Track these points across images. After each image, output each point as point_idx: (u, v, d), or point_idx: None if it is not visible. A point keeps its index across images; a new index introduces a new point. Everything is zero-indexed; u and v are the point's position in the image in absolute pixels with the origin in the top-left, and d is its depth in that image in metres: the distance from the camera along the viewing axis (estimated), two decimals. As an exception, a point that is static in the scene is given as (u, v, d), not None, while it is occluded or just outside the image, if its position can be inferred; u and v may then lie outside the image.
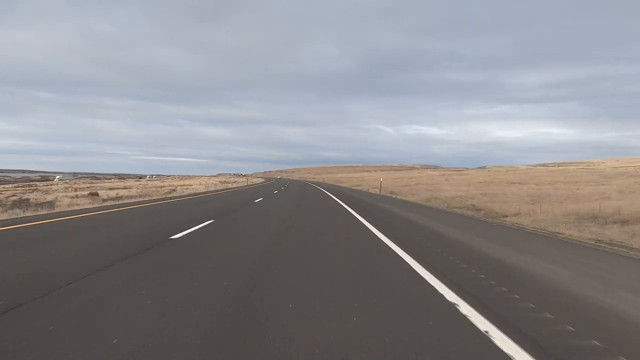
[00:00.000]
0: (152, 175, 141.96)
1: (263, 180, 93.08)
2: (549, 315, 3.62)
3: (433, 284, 4.57)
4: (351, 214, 14.37)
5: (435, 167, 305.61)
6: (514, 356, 2.75)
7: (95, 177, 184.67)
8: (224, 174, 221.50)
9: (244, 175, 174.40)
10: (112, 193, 34.26)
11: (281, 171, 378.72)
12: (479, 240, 8.31)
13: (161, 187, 44.83)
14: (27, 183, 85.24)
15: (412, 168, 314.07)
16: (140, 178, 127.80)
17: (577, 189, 30.25)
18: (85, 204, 18.70)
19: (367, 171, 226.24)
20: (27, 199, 22.07)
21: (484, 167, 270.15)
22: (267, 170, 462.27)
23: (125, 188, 61.35)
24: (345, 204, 20.11)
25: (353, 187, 50.91)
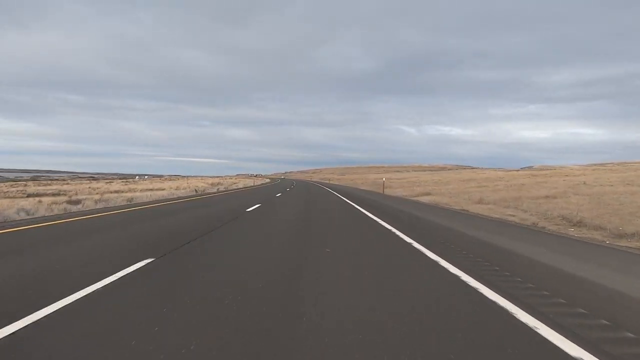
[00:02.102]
0: (145, 176, 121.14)
1: (268, 180, 78.38)
2: None
3: None
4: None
5: (474, 168, 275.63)
6: None
7: (93, 177, 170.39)
8: (242, 174, 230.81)
9: (256, 176, 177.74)
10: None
11: (302, 172, 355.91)
12: None
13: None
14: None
15: (443, 168, 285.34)
16: (143, 177, 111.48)
17: None
18: None
19: (398, 171, 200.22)
20: None
21: (530, 167, 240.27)
22: (288, 170, 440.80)
23: (59, 194, 45.14)
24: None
25: (429, 204, 26.32)
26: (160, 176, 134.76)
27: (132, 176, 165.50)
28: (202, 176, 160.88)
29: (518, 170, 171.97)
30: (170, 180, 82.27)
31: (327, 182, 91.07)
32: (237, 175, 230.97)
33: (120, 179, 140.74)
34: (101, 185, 59.30)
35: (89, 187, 52.81)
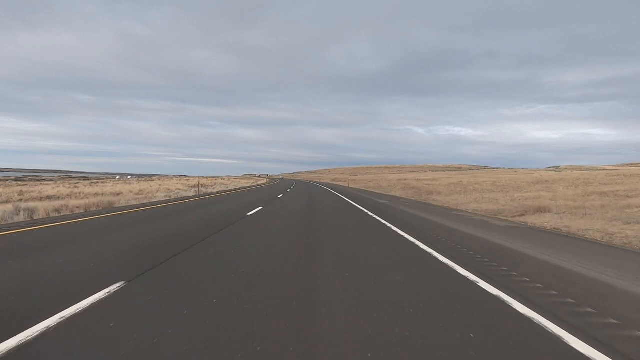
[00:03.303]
0: (128, 176, 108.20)
1: (263, 182, 63.37)
2: None
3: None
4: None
5: (496, 168, 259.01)
6: None
7: (85, 177, 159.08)
8: (248, 175, 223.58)
9: (259, 176, 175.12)
10: None
11: (311, 172, 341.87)
12: None
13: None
14: None
15: (459, 169, 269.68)
16: (125, 177, 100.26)
17: None
18: None
19: (415, 172, 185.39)
20: None
21: (557, 167, 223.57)
22: (297, 171, 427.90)
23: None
24: None
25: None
26: (150, 176, 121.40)
27: (136, 175, 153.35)
28: (183, 176, 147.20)
29: (552, 170, 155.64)
30: (150, 181, 68.40)
31: (345, 185, 63.64)
32: (244, 175, 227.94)
33: (110, 178, 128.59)
34: (42, 187, 45.40)
35: (20, 190, 38.97)
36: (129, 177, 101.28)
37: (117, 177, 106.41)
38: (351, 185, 55.04)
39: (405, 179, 65.99)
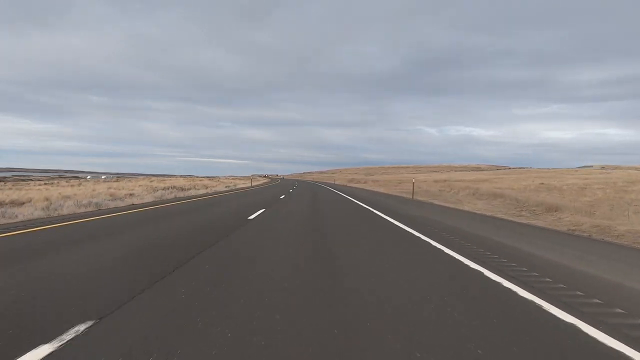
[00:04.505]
0: (103, 176, 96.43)
1: (248, 185, 50.83)
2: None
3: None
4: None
5: (523, 168, 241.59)
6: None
7: (76, 177, 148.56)
8: (256, 175, 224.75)
9: (266, 176, 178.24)
10: None
11: (321, 172, 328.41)
12: None
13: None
14: None
15: (477, 169, 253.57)
16: (100, 178, 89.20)
17: None
18: None
19: (435, 171, 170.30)
20: None
21: (589, 167, 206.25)
22: (307, 171, 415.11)
23: None
24: None
25: None
26: (162, 176, 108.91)
27: (113, 175, 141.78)
28: (190, 176, 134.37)
29: (585, 169, 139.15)
30: (119, 181, 55.05)
31: (383, 191, 38.73)
32: (252, 175, 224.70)
33: (81, 178, 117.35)
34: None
35: None
36: (103, 177, 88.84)
37: (88, 176, 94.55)
38: (384, 191, 33.37)
39: (444, 180, 51.50)
